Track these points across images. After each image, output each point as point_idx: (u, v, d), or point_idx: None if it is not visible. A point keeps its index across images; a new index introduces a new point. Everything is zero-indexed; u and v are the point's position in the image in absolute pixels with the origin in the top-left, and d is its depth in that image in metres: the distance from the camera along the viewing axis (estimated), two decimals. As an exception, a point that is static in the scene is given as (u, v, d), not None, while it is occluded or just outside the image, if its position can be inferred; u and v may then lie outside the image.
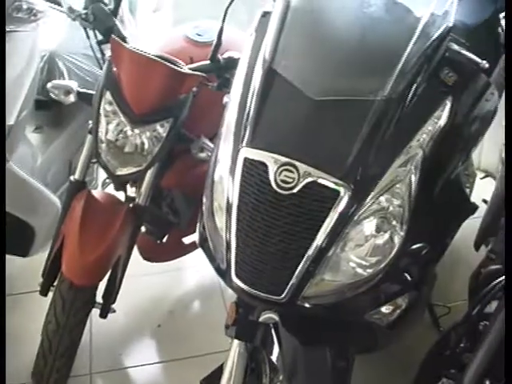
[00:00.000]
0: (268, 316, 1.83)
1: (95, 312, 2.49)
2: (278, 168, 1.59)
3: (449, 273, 2.78)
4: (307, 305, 1.65)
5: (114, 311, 2.54)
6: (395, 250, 1.64)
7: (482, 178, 3.07)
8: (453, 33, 1.89)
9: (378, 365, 2.40)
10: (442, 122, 1.69)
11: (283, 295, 1.61)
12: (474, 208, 2.25)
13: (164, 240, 2.88)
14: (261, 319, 1.84)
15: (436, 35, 1.74)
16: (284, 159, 1.59)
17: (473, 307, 1.81)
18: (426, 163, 1.65)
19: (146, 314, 3.08)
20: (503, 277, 1.72)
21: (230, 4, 2.11)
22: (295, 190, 1.57)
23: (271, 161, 1.60)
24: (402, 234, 1.63)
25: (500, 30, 2.88)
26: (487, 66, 1.81)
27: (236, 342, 1.86)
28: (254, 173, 1.63)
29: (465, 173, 2.79)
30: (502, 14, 2.96)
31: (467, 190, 2.63)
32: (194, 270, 3.30)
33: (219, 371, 1.92)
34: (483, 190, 2.62)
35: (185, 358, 2.79)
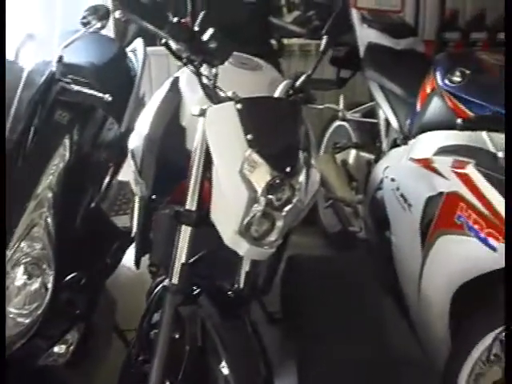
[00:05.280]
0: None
1: None
2: None
3: (135, 297, 2.87)
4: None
5: None
6: (50, 290, 1.68)
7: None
8: (77, 74, 2.00)
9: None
10: (65, 159, 1.77)
11: None
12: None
13: None
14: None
15: (42, 81, 1.82)
16: None
17: (142, 320, 1.91)
18: (60, 201, 1.72)
19: None
20: (159, 286, 1.84)
21: None
22: None
23: None
24: (52, 272, 1.68)
25: (129, 63, 3.07)
26: (110, 98, 1.93)
27: None
28: None
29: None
30: (129, 48, 3.16)
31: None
32: None
33: None
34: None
35: None
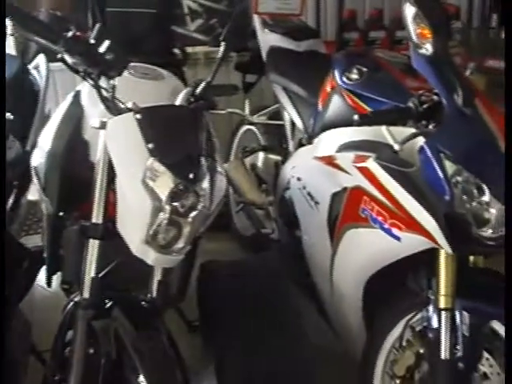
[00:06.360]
0: None
1: None
2: None
3: (52, 316, 2.81)
4: None
5: None
6: None
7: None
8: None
9: None
10: None
11: None
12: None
13: None
14: None
15: None
16: None
17: (56, 339, 1.88)
18: None
19: None
20: (70, 305, 1.81)
21: None
22: None
23: None
24: None
25: (32, 80, 3.01)
26: (11, 117, 1.90)
27: None
28: None
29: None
30: (32, 65, 3.09)
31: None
32: None
33: None
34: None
35: None
